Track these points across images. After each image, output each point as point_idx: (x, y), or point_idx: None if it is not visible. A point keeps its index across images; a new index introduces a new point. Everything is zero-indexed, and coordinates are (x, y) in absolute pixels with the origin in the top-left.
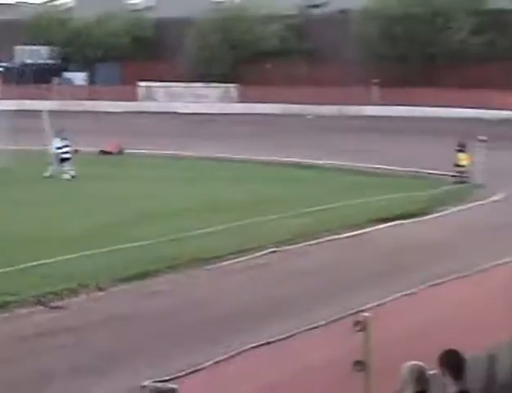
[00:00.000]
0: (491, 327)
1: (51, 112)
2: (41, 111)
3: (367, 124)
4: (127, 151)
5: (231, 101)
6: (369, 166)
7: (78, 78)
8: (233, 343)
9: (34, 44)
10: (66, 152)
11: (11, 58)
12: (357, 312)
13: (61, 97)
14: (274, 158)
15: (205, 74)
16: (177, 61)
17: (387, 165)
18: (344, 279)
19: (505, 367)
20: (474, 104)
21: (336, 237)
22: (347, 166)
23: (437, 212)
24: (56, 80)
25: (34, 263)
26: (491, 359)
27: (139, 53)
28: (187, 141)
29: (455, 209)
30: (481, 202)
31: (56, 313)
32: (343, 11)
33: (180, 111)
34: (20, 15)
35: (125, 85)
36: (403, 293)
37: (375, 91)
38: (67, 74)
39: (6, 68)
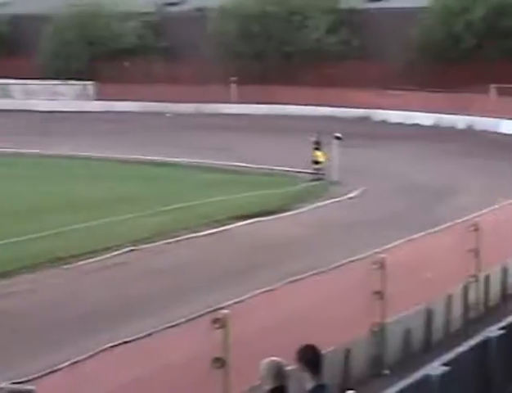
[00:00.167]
0: (347, 323)
1: None
2: None
3: (226, 122)
4: None
5: (88, 98)
6: (228, 164)
7: None
8: (90, 343)
9: None
10: None
11: None
12: (215, 309)
13: None
14: (132, 156)
15: (62, 71)
16: (34, 58)
17: (246, 163)
18: (203, 277)
19: (360, 361)
20: (331, 102)
21: (194, 235)
22: (205, 164)
23: (294, 209)
24: None
25: None
26: (348, 354)
27: None
28: (43, 139)
29: (312, 206)
30: (337, 199)
31: None
32: (199, 9)
33: (36, 109)
34: None
35: None
36: (261, 290)
37: (234, 89)
38: None
39: None
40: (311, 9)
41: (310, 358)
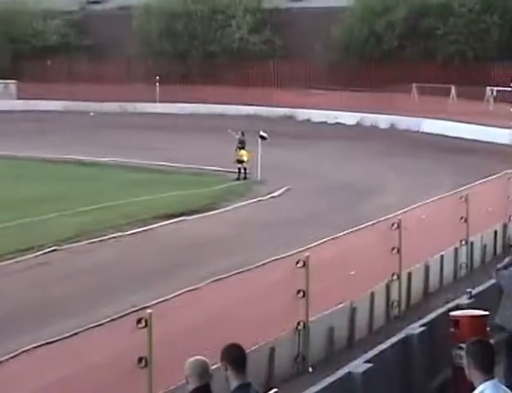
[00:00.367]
0: (271, 321)
1: None
2: None
3: (151, 122)
4: None
5: (10, 97)
6: (153, 163)
7: None
8: (13, 344)
9: None
10: None
11: None
12: (139, 309)
13: None
14: (56, 156)
15: None
16: None
17: (171, 163)
18: (127, 277)
19: (284, 360)
20: (255, 101)
21: (120, 234)
22: (131, 163)
23: (218, 208)
24: None
25: None
26: (272, 353)
27: None
28: None
29: (236, 205)
30: (260, 198)
31: None
32: (123, 8)
33: None
34: None
35: None
36: (185, 289)
37: (159, 88)
38: None
39: None
40: (234, 8)
41: (234, 357)
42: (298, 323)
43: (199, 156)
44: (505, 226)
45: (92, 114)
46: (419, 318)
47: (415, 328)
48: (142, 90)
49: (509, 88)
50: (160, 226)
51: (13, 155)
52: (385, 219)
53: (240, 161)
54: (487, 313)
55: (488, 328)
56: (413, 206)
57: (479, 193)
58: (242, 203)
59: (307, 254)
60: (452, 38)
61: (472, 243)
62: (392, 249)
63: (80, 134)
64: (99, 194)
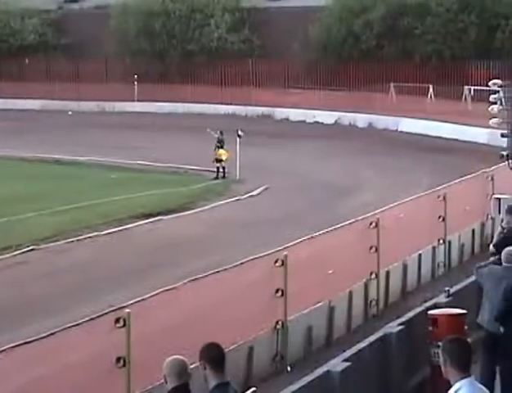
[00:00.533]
0: (250, 321)
1: None
2: None
3: (129, 121)
4: None
5: None
6: (131, 163)
7: None
8: None
9: None
10: None
11: None
12: (117, 309)
13: None
14: (34, 155)
15: None
16: None
17: (149, 162)
18: (104, 276)
19: (263, 359)
20: (233, 100)
21: (96, 234)
22: (108, 163)
23: (196, 208)
24: None
25: None
26: (250, 352)
27: None
28: None
29: (214, 204)
30: (238, 198)
31: None
32: (100, 7)
33: None
34: None
35: None
36: (163, 289)
37: (137, 87)
38: None
39: None
40: (212, 7)
41: (213, 356)
42: (277, 323)
43: (177, 155)
44: (482, 225)
45: (70, 113)
46: (398, 317)
47: (394, 327)
48: (120, 89)
49: (487, 88)
50: (137, 226)
51: None
52: (363, 218)
53: (219, 160)
54: (464, 311)
55: (466, 327)
56: (391, 205)
57: (457, 192)
58: (220, 202)
59: (285, 253)
60: (430, 37)
61: (450, 242)
62: (371, 248)
63: (58, 133)
64: (77, 193)
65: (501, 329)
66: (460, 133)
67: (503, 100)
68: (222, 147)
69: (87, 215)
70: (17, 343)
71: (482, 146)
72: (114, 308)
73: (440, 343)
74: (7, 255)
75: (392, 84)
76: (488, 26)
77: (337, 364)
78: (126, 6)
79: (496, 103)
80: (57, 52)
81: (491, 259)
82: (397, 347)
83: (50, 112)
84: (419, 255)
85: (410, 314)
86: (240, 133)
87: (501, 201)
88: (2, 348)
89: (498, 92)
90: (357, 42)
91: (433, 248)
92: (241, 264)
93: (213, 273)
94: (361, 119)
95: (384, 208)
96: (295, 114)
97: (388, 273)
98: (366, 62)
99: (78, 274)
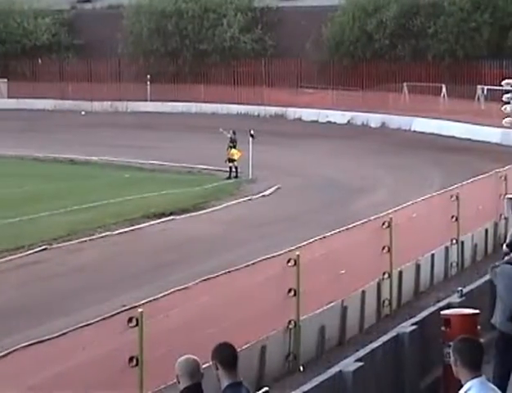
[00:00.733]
0: (262, 320)
1: None
2: None
3: (142, 121)
4: None
5: (1, 96)
6: (145, 162)
7: None
8: (3, 343)
9: None
10: None
11: None
12: (130, 308)
13: None
14: (47, 155)
15: None
16: None
17: (162, 161)
18: (116, 276)
19: (275, 358)
20: (246, 100)
21: (109, 233)
22: (121, 162)
23: (209, 208)
24: None
25: None
26: (263, 352)
27: None
28: None
29: (226, 204)
30: (251, 197)
31: None
32: (113, 7)
33: None
34: None
35: None
36: (176, 289)
37: (149, 87)
38: None
39: None
40: (225, 7)
41: (225, 356)
42: (289, 322)
43: (190, 155)
44: (496, 225)
45: (83, 113)
46: (411, 317)
47: (406, 327)
48: (133, 89)
49: (500, 87)
50: (150, 225)
51: (2, 154)
52: (376, 218)
53: (231, 160)
54: (477, 311)
55: (479, 327)
56: (404, 205)
57: (470, 192)
58: (233, 202)
59: (297, 253)
60: (443, 36)
61: (463, 242)
62: (383, 248)
63: (71, 133)
64: (90, 193)
65: None
66: (473, 133)
67: None
68: (234, 147)
69: (100, 215)
70: (31, 342)
71: (495, 145)
72: (126, 307)
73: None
74: (20, 255)
75: (405, 84)
76: (501, 26)
77: (350, 364)
78: (139, 6)
79: (509, 103)
80: (70, 52)
81: (506, 258)
82: (409, 347)
83: (63, 112)
84: (432, 254)
85: (423, 314)
86: (252, 133)
87: None
88: (16, 347)
89: (511, 91)
90: (370, 42)
91: (446, 248)
92: (254, 263)
93: (225, 273)
94: (373, 119)
95: (396, 208)
96: (308, 114)
97: (400, 272)
98: (379, 62)
99: (90, 274)
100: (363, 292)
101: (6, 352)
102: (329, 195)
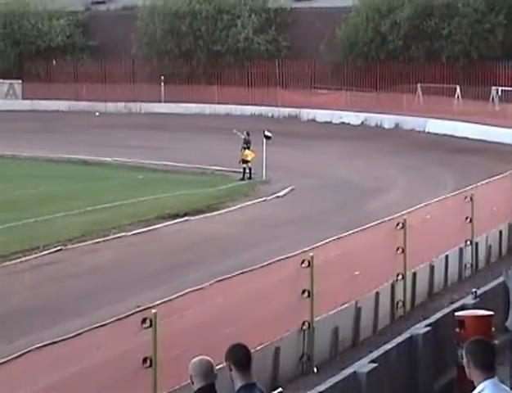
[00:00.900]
0: (276, 321)
1: None
2: None
3: (156, 122)
4: None
5: (15, 97)
6: (158, 163)
7: None
8: (18, 343)
9: None
10: None
11: None
12: (144, 309)
13: None
14: (61, 155)
15: None
16: None
17: (176, 162)
18: (131, 277)
19: (289, 359)
20: (260, 101)
21: (124, 234)
22: (135, 163)
23: (223, 208)
24: None
25: None
26: (277, 353)
27: None
28: None
29: (240, 205)
30: (265, 198)
31: None
32: (128, 8)
33: None
34: None
35: None
36: (190, 289)
37: (163, 88)
38: None
39: None
40: (239, 8)
41: (239, 357)
42: (303, 323)
43: (204, 156)
44: (510, 226)
45: (97, 114)
46: (425, 318)
47: (420, 328)
48: (147, 90)
49: None
50: (165, 226)
51: (18, 155)
52: (390, 219)
53: (245, 161)
54: (491, 313)
55: (493, 328)
56: (418, 206)
57: (484, 193)
58: (247, 203)
59: (312, 254)
60: (457, 37)
61: (477, 243)
62: (397, 249)
63: (85, 134)
64: (104, 194)
65: None
66: (487, 134)
67: None
68: (248, 148)
69: (115, 216)
70: (46, 343)
71: (509, 146)
72: (140, 308)
73: None
74: (35, 256)
75: (419, 85)
76: None
77: (364, 365)
78: (153, 7)
79: None
80: (84, 53)
81: None
82: (423, 348)
83: (77, 113)
84: (446, 256)
85: (437, 315)
86: (267, 133)
87: None
88: (31, 348)
89: None
90: (383, 43)
91: (460, 249)
92: (268, 264)
93: (239, 274)
94: (387, 120)
95: (410, 209)
96: (322, 115)
97: (414, 274)
98: (393, 63)
99: (105, 274)
100: (377, 293)
101: (20, 353)
102: (342, 196)
